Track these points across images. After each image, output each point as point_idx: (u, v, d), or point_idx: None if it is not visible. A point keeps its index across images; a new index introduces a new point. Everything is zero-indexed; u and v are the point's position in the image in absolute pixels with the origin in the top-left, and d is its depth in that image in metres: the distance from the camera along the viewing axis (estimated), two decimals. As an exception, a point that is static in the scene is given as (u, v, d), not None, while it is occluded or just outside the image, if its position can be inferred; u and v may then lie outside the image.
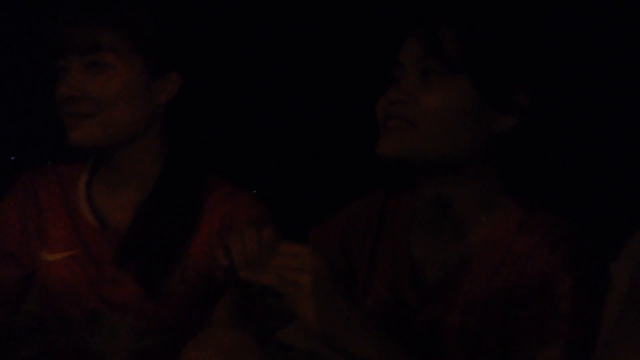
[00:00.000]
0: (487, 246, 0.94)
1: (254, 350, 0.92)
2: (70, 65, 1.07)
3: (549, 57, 0.98)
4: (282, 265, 0.83)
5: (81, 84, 1.06)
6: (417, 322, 0.96)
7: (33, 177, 1.20)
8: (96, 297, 1.11)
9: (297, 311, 0.83)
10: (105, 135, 1.09)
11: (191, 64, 1.16)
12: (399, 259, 1.01)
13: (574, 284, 0.87)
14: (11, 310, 1.19)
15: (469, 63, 0.91)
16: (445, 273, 0.96)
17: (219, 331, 0.94)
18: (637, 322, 0.73)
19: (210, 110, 1.20)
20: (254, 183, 1.25)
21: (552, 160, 0.99)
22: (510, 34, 0.95)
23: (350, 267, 1.06)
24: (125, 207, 1.14)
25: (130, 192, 1.15)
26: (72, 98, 1.06)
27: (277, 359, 1.94)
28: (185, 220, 1.12)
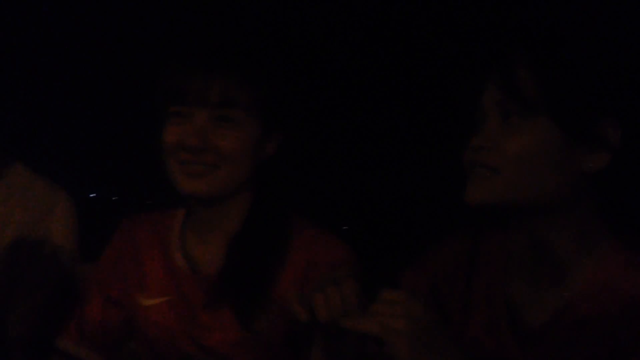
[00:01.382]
0: (591, 288, 0.91)
1: None
2: (194, 114, 1.10)
3: (636, 86, 0.93)
4: (380, 312, 0.83)
5: (209, 136, 1.09)
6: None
7: (131, 225, 1.25)
8: (190, 341, 1.13)
9: (399, 358, 0.81)
10: (223, 187, 1.12)
11: (295, 124, 1.21)
12: (495, 303, 0.99)
13: None
14: (115, 352, 1.24)
15: (550, 102, 0.88)
16: (548, 318, 0.93)
17: None
18: None
19: (300, 158, 1.25)
20: (339, 225, 1.27)
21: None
22: (589, 67, 0.91)
23: (441, 312, 1.04)
24: (215, 253, 1.17)
25: (220, 238, 1.18)
26: (197, 148, 1.09)
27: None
28: (272, 263, 1.14)
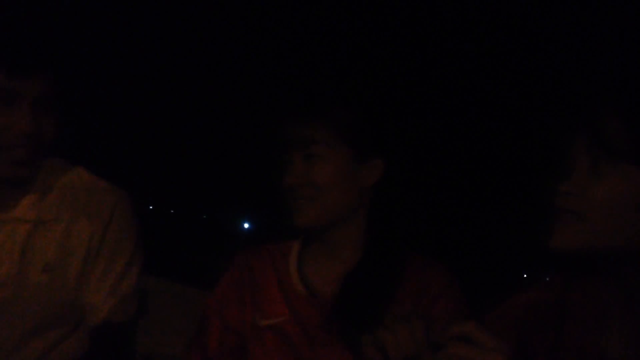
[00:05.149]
0: None
1: None
2: (292, 158, 1.27)
3: None
4: (459, 356, 0.82)
5: (302, 173, 1.25)
6: None
7: (247, 255, 1.38)
8: (306, 356, 1.22)
9: None
10: (323, 216, 1.26)
11: (392, 151, 1.31)
12: (587, 352, 0.97)
13: None
14: None
15: (638, 151, 0.89)
16: None
17: None
18: None
19: (409, 189, 1.34)
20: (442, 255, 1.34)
21: None
22: None
23: (524, 352, 1.02)
24: (332, 278, 1.29)
25: (336, 264, 1.30)
26: (296, 185, 1.25)
27: None
28: (386, 290, 1.23)
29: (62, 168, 1.48)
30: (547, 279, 1.08)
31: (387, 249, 1.28)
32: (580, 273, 1.03)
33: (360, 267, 1.27)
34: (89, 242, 1.43)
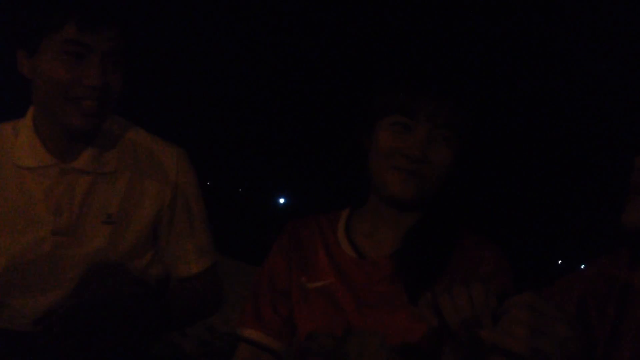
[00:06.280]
0: None
1: None
2: (418, 129, 1.24)
3: None
4: (522, 323, 0.79)
5: (427, 149, 1.23)
6: None
7: (296, 225, 1.42)
8: (352, 316, 1.25)
9: None
10: (420, 196, 1.26)
11: (479, 145, 1.33)
12: None
13: None
14: (291, 339, 1.37)
15: None
16: None
17: None
18: None
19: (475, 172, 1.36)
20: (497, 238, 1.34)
21: None
22: None
23: (587, 334, 0.99)
24: (381, 243, 1.32)
25: (387, 231, 1.32)
26: (417, 158, 1.23)
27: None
28: (443, 255, 1.25)
29: (124, 125, 1.53)
30: (613, 255, 1.05)
31: (447, 218, 1.30)
32: None
33: (421, 228, 1.29)
34: (158, 197, 1.49)
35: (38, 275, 1.40)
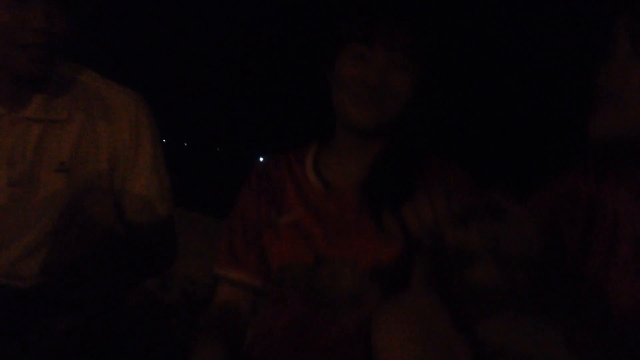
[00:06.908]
0: None
1: (446, 316, 0.92)
2: (376, 57, 1.25)
3: None
4: (486, 223, 0.80)
5: (386, 76, 1.24)
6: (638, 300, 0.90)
7: (264, 164, 1.44)
8: (323, 246, 1.27)
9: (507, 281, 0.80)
10: (384, 121, 1.27)
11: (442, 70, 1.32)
12: (621, 237, 0.95)
13: None
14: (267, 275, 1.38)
15: None
16: None
17: (413, 296, 0.95)
18: None
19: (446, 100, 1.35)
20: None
21: None
22: None
23: (556, 241, 1.01)
24: (348, 174, 1.33)
25: (352, 162, 1.33)
26: (375, 86, 1.24)
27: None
28: (409, 179, 1.26)
29: (75, 71, 1.47)
30: (581, 167, 1.05)
31: (412, 145, 1.31)
32: (614, 160, 1.00)
33: (386, 157, 1.30)
34: (114, 141, 1.45)
35: None
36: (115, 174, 1.46)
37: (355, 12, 1.29)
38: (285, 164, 1.41)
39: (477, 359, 0.89)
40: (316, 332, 1.25)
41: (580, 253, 0.99)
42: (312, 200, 1.33)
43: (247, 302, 1.38)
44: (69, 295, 1.36)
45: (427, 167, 1.30)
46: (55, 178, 1.39)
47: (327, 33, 1.34)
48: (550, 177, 1.07)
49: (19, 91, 1.36)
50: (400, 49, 1.24)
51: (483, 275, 1.00)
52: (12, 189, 1.36)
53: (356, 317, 1.22)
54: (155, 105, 1.55)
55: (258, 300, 1.40)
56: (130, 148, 1.46)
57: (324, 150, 1.40)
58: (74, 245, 1.41)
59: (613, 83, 0.88)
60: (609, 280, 0.94)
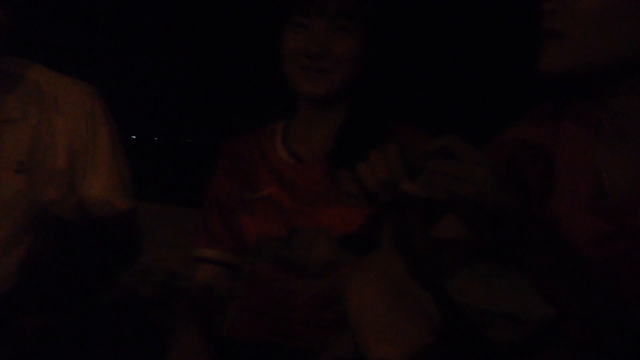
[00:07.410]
0: None
1: (415, 275, 0.92)
2: (314, 25, 1.26)
3: None
4: (442, 169, 0.79)
5: (327, 44, 1.25)
6: (601, 234, 0.91)
7: (233, 142, 1.45)
8: (296, 218, 1.29)
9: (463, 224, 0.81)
10: (336, 89, 1.28)
11: (395, 37, 1.33)
12: (581, 173, 0.96)
13: None
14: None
15: None
16: (637, 188, 0.90)
17: (381, 254, 0.95)
18: None
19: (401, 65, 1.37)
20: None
21: None
22: None
23: (520, 190, 1.01)
24: (316, 147, 1.35)
25: (323, 134, 1.34)
26: (317, 54, 1.25)
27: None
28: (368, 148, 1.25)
29: (22, 66, 1.42)
30: (540, 109, 1.05)
31: (371, 110, 1.33)
32: (572, 98, 1.00)
33: (348, 125, 1.32)
34: (71, 134, 1.41)
35: None
36: (75, 168, 1.43)
37: None
38: (255, 141, 1.42)
39: (445, 314, 0.89)
40: (292, 303, 1.26)
41: (542, 194, 0.99)
42: (283, 174, 1.35)
43: (226, 280, 1.39)
44: (40, 295, 1.34)
45: (390, 134, 1.31)
46: (15, 179, 1.36)
47: (272, 8, 1.34)
48: (507, 124, 1.08)
49: None
50: (338, 15, 1.24)
51: (444, 228, 1.00)
52: None
53: (332, 284, 1.23)
54: (124, 105, 1.51)
55: (237, 279, 1.40)
56: (88, 141, 1.43)
57: (291, 125, 1.41)
58: (40, 245, 1.38)
59: (558, 19, 0.88)
60: (571, 218, 0.94)
